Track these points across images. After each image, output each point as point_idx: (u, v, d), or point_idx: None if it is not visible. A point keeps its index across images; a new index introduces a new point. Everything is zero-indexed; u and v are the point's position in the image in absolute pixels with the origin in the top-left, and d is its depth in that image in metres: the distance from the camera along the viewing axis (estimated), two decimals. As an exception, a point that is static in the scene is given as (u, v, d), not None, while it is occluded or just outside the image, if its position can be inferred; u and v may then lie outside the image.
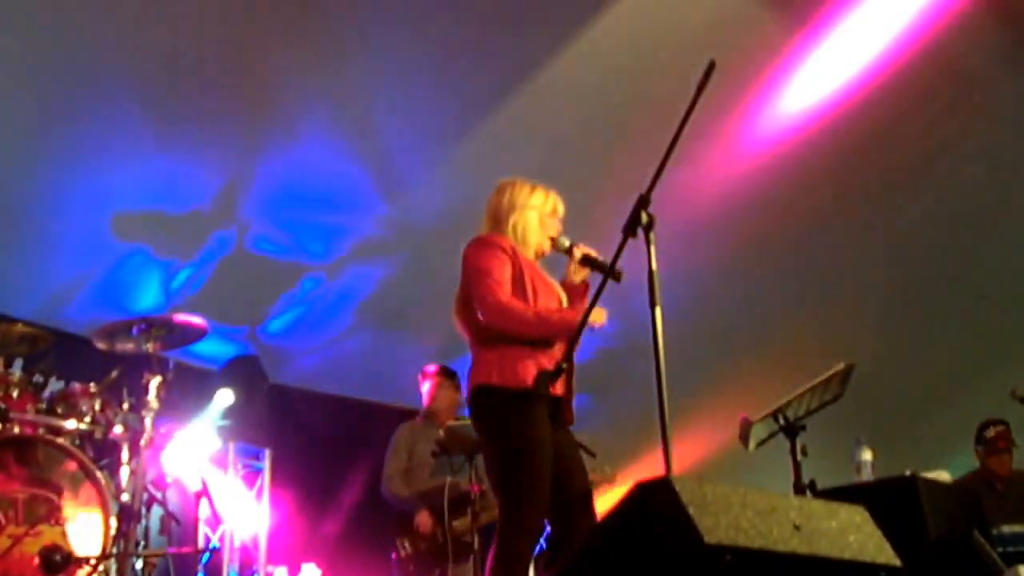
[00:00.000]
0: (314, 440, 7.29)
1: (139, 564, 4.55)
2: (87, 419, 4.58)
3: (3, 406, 4.37)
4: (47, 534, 4.15)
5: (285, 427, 7.24)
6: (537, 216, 3.60)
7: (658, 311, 2.90)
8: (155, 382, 4.67)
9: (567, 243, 3.58)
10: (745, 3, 6.09)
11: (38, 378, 4.65)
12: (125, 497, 4.49)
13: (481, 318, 3.40)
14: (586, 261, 3.48)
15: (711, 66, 2.95)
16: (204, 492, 4.94)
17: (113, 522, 4.29)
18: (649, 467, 6.99)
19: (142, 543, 4.64)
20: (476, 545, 5.00)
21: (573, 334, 3.17)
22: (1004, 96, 6.91)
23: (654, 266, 2.96)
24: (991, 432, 5.50)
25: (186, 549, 5.11)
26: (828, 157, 6.83)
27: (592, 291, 3.35)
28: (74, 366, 5.00)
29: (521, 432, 3.30)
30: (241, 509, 6.62)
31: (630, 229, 3.04)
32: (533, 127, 6.51)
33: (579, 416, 3.57)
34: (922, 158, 7.06)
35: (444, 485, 5.42)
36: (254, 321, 7.14)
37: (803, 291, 7.74)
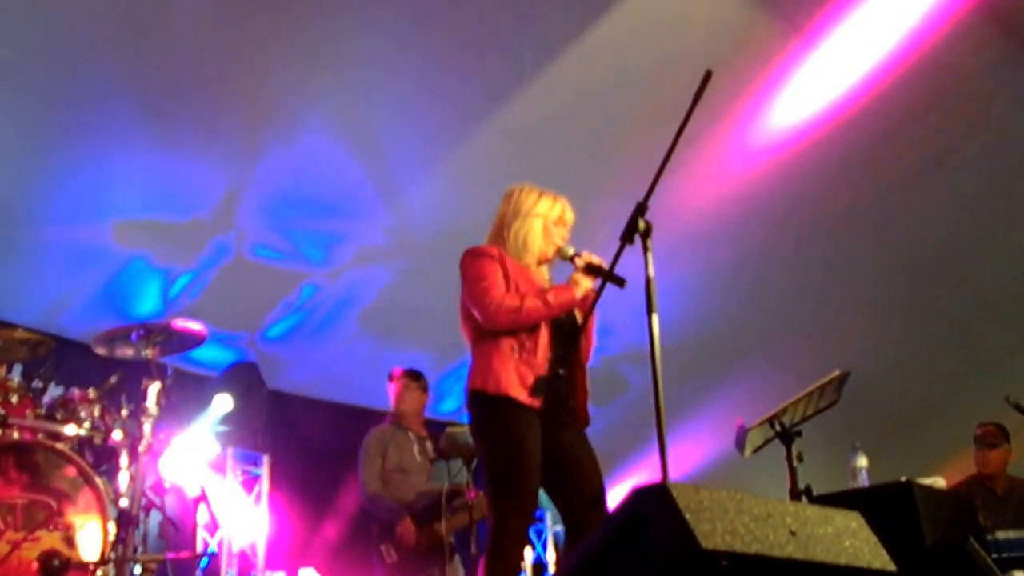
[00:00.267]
0: (312, 446, 7.30)
1: (138, 569, 4.55)
2: (86, 425, 4.59)
3: (2, 412, 4.37)
4: (46, 540, 4.15)
5: (284, 433, 7.25)
6: (542, 223, 3.63)
7: (655, 318, 2.92)
8: (154, 388, 4.69)
9: (571, 251, 3.60)
10: (741, 12, 6.12)
11: (37, 384, 4.66)
12: (124, 503, 4.50)
13: (485, 323, 3.48)
14: (590, 269, 3.50)
15: (707, 76, 2.98)
16: (203, 498, 4.96)
17: (112, 527, 4.29)
18: (646, 473, 7.02)
19: (141, 548, 4.64)
20: (473, 545, 5.04)
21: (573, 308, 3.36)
22: (1002, 104, 6.94)
23: (651, 273, 2.99)
24: (979, 431, 5.61)
25: (184, 554, 5.11)
26: (824, 167, 6.86)
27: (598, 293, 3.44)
28: (73, 372, 5.01)
29: (499, 435, 3.40)
30: (239, 514, 6.62)
31: (627, 236, 3.07)
32: (531, 135, 6.53)
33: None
34: (918, 167, 7.09)
35: (424, 492, 5.46)
36: (253, 328, 7.14)
37: (799, 298, 7.75)
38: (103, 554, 4.23)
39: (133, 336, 4.80)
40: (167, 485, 5.07)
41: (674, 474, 2.71)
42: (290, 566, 6.34)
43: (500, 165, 6.47)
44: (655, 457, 2.75)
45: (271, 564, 6.51)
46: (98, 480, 4.35)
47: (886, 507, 3.53)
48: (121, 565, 4.34)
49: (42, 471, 4.27)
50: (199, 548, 5.64)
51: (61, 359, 4.92)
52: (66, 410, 4.60)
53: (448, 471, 5.58)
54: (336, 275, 7.09)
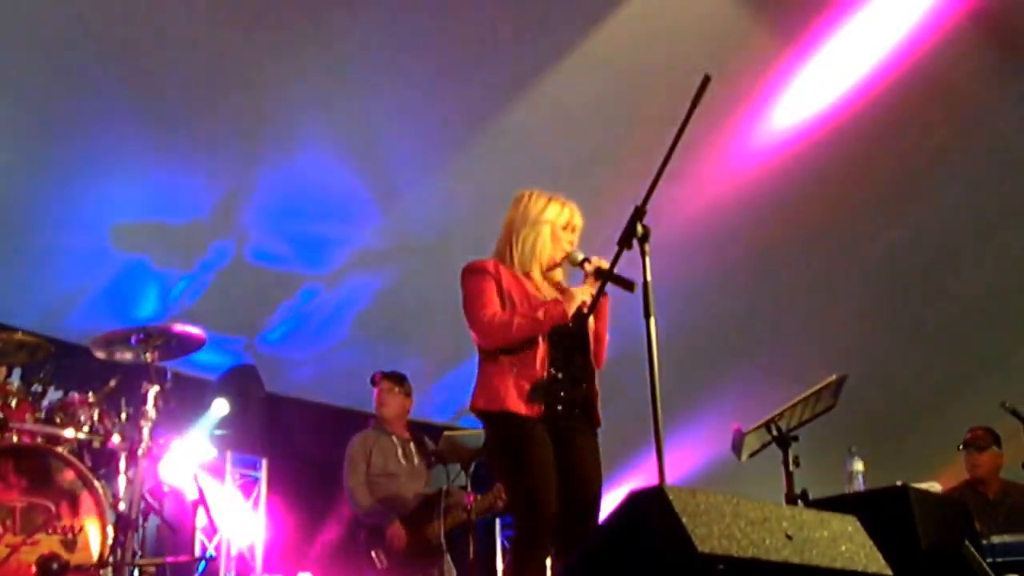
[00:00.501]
0: (310, 450, 7.30)
1: (136, 573, 4.56)
2: (85, 428, 4.60)
3: (2, 415, 4.39)
4: (45, 543, 4.16)
5: (282, 437, 7.26)
6: (550, 230, 3.64)
7: (652, 322, 2.94)
8: (153, 392, 4.69)
9: (580, 257, 3.60)
10: (738, 18, 6.14)
11: (37, 387, 4.67)
12: (122, 506, 4.50)
13: (480, 341, 3.55)
14: (599, 274, 3.49)
15: (706, 80, 2.99)
16: (201, 501, 4.95)
17: (111, 531, 4.30)
18: (642, 476, 7.02)
19: (139, 552, 4.65)
20: (471, 547, 5.08)
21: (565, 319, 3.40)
22: (993, 110, 6.96)
23: (648, 277, 3.00)
24: (968, 435, 5.62)
25: (183, 558, 5.12)
26: (819, 171, 6.87)
27: (599, 295, 3.47)
28: (73, 375, 5.02)
29: (506, 450, 3.46)
30: (237, 518, 6.63)
31: (625, 241, 3.08)
32: (530, 140, 6.55)
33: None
34: (912, 172, 7.11)
35: (411, 496, 5.48)
36: (252, 331, 7.16)
37: (795, 303, 7.77)
38: (102, 557, 4.23)
39: (132, 340, 4.81)
40: (166, 489, 5.07)
41: (671, 478, 2.71)
42: (288, 570, 6.35)
43: (497, 170, 6.49)
44: (652, 460, 2.76)
45: (269, 568, 6.52)
46: (97, 484, 4.37)
47: (882, 511, 3.53)
48: (120, 568, 4.35)
49: (41, 475, 4.29)
50: (197, 552, 5.63)
51: (60, 363, 4.93)
52: (65, 414, 4.61)
53: (447, 475, 5.60)
54: (334, 279, 7.10)
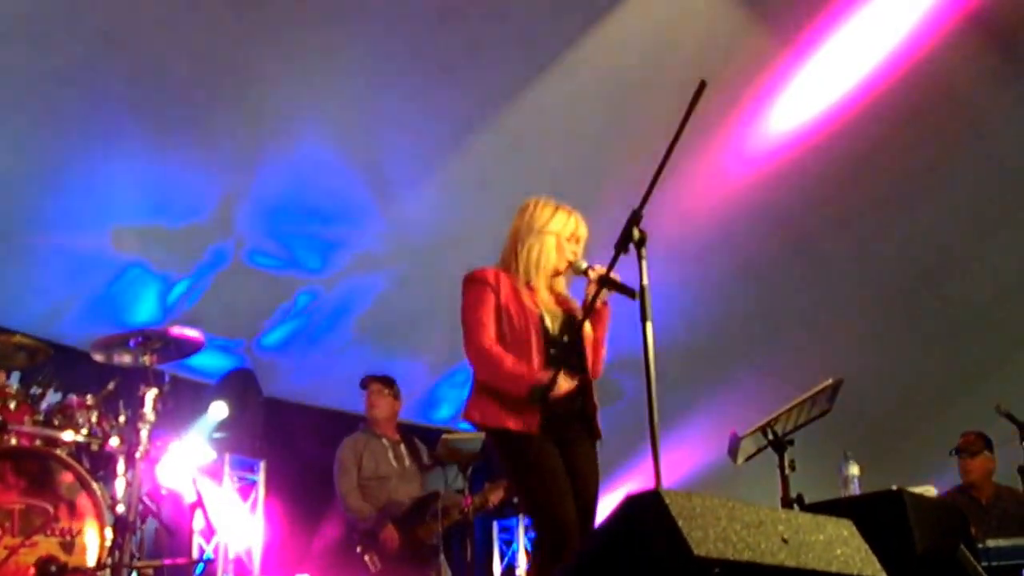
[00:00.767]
0: (308, 453, 7.29)
1: (134, 575, 4.57)
2: (84, 431, 4.60)
3: (1, 418, 4.39)
4: (43, 545, 4.17)
5: (280, 440, 7.26)
6: (555, 241, 3.65)
7: (649, 326, 2.95)
8: (151, 395, 4.69)
9: (584, 265, 3.62)
10: (734, 22, 6.16)
11: (36, 390, 4.68)
12: (121, 508, 4.51)
13: (467, 355, 3.57)
14: (603, 282, 3.48)
15: (702, 86, 3.00)
16: (199, 504, 4.96)
17: (109, 533, 4.31)
18: (639, 480, 7.04)
19: (137, 554, 4.65)
20: (469, 549, 5.11)
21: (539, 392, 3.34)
22: (992, 115, 6.98)
23: (645, 282, 3.01)
24: (960, 440, 5.66)
25: (180, 560, 5.12)
26: (817, 176, 6.89)
27: (600, 300, 3.49)
28: (71, 378, 5.03)
29: (518, 466, 3.45)
30: (235, 521, 6.63)
31: (622, 245, 3.09)
32: (526, 144, 6.56)
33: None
34: (908, 177, 7.13)
35: (404, 498, 5.50)
36: (250, 334, 7.16)
37: (791, 307, 7.78)
38: (100, 559, 4.24)
39: (131, 343, 4.82)
40: (164, 491, 5.08)
41: (667, 481, 2.73)
42: (285, 572, 6.35)
43: (495, 173, 6.51)
44: (648, 464, 2.76)
45: (266, 570, 6.52)
46: (95, 486, 4.37)
47: (877, 515, 3.55)
48: (118, 570, 4.35)
49: (40, 477, 4.29)
50: (195, 554, 5.64)
51: (59, 365, 4.94)
52: (64, 416, 4.61)
53: (445, 477, 5.61)
54: (332, 282, 7.11)
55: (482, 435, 4.43)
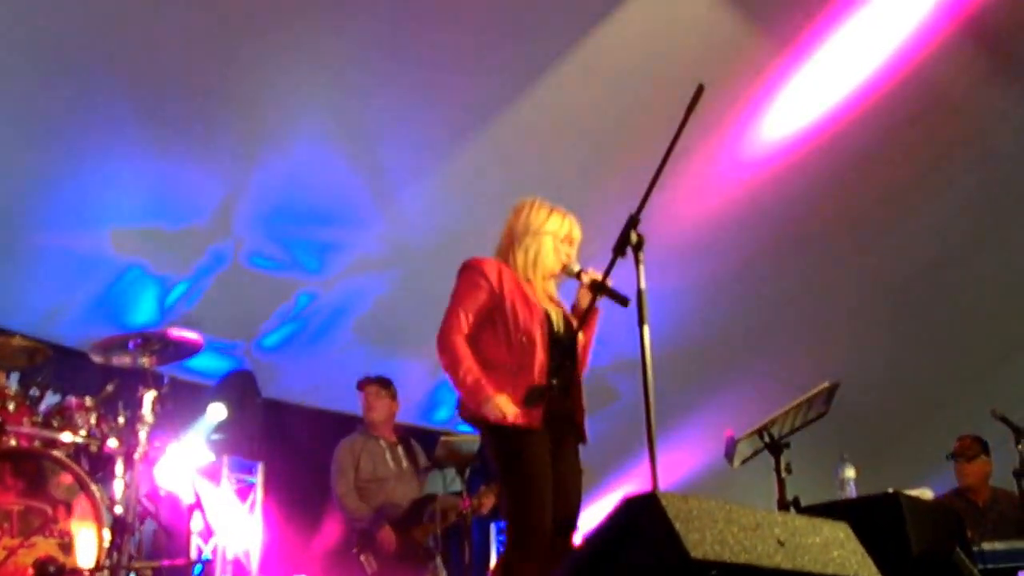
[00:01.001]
0: (307, 455, 7.31)
1: (132, 576, 4.58)
2: (83, 432, 4.60)
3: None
4: (42, 546, 4.17)
5: (278, 442, 7.27)
6: (551, 242, 3.65)
7: (646, 329, 2.96)
8: (150, 396, 4.71)
9: (576, 269, 3.63)
10: (731, 27, 6.17)
11: (35, 391, 4.67)
12: (119, 510, 4.51)
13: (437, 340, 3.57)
14: (594, 287, 3.51)
15: (699, 90, 3.03)
16: (197, 505, 4.97)
17: (107, 534, 4.31)
18: (636, 482, 7.05)
19: (135, 556, 4.66)
20: (467, 551, 5.11)
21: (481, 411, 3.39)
22: (987, 119, 7.00)
23: (643, 285, 3.02)
24: (957, 444, 5.68)
25: (179, 562, 5.12)
26: (811, 181, 6.90)
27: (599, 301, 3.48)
28: (70, 380, 5.04)
29: (509, 462, 3.43)
30: (234, 522, 6.64)
31: (620, 249, 3.11)
32: (526, 146, 6.57)
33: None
34: (905, 181, 7.14)
35: (402, 500, 5.51)
36: (249, 336, 7.17)
37: (788, 310, 7.79)
38: (98, 561, 4.24)
39: (130, 344, 4.83)
40: (162, 493, 5.09)
41: (663, 484, 2.74)
42: (284, 573, 6.36)
43: (495, 175, 6.51)
44: (645, 466, 2.77)
45: (265, 572, 6.53)
46: (94, 487, 4.37)
47: (874, 518, 3.57)
48: (116, 572, 4.36)
49: (38, 478, 4.29)
50: (193, 555, 5.65)
51: (58, 367, 4.95)
52: (63, 418, 4.62)
53: (443, 479, 5.62)
54: (331, 284, 7.12)
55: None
